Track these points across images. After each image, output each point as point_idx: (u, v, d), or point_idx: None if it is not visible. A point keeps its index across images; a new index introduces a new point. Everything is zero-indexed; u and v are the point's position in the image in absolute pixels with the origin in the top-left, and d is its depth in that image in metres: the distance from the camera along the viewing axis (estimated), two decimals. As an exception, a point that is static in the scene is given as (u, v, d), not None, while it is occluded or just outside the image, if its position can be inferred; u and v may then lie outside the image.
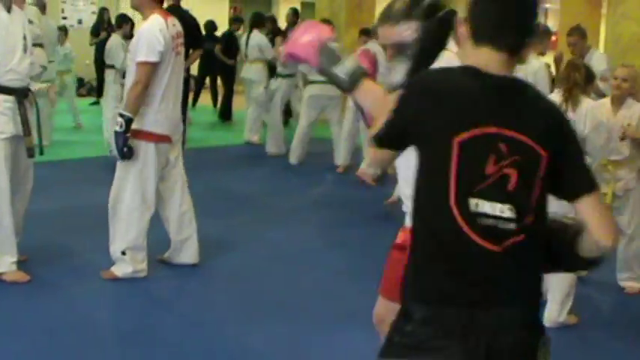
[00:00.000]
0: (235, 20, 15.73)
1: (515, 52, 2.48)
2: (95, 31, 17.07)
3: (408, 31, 3.37)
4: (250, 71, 13.29)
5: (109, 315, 5.58)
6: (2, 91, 5.83)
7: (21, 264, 6.08)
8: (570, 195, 2.48)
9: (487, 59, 2.46)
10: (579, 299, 5.92)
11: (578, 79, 5.96)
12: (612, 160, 6.31)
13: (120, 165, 6.13)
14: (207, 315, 5.63)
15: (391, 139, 2.53)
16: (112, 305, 5.78)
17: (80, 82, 19.72)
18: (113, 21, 14.15)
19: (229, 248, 7.13)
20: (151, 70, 5.95)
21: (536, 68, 7.95)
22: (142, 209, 6.16)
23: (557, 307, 5.71)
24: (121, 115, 5.91)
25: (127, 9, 18.43)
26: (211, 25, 16.05)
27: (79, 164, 10.67)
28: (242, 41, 13.90)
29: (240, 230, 7.80)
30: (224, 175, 10.15)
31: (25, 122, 5.95)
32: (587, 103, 6.00)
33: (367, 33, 10.68)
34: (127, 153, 5.91)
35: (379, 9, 14.47)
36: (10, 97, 5.87)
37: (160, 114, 6.07)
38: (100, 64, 16.62)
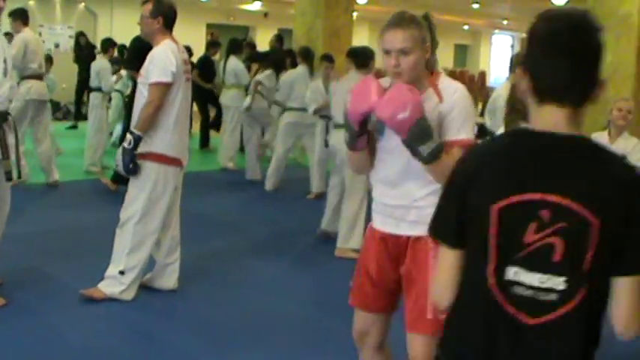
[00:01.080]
0: (212, 45, 15.71)
1: (580, 102, 2.29)
2: (78, 53, 17.10)
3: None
4: (227, 97, 13.32)
5: (86, 339, 5.54)
6: None
7: (-3, 288, 6.06)
8: (619, 270, 2.22)
9: (551, 115, 2.30)
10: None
11: (518, 105, 5.59)
12: None
13: (132, 185, 6.16)
14: (184, 340, 5.62)
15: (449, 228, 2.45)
16: (89, 329, 5.74)
17: (56, 105, 19.70)
18: (98, 45, 14.14)
19: (205, 274, 7.12)
20: (164, 90, 5.98)
21: None
22: (152, 232, 6.19)
23: None
24: (131, 133, 5.94)
25: (105, 33, 18.50)
26: (188, 51, 16.02)
27: (57, 188, 10.62)
28: (219, 67, 13.94)
29: (216, 257, 7.80)
30: (200, 201, 10.13)
31: (3, 146, 5.94)
32: None
33: (329, 59, 10.64)
34: (132, 169, 5.96)
35: (356, 37, 14.64)
36: None
37: (174, 137, 6.11)
38: (82, 88, 16.68)
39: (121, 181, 10.35)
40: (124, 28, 15.37)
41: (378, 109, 3.46)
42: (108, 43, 12.93)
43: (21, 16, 10.43)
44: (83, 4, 22.13)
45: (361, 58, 8.34)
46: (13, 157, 6.05)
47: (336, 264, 7.66)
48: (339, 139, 7.01)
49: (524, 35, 11.52)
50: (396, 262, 3.80)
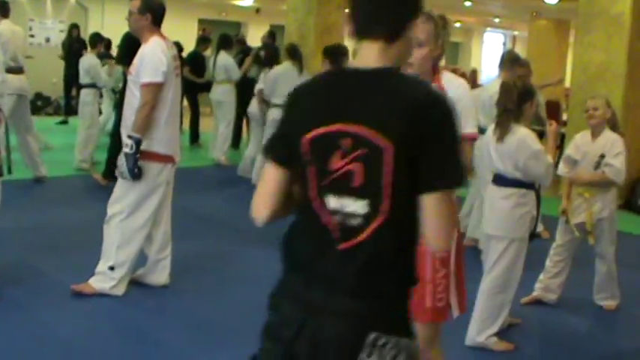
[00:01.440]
0: (203, 40, 15.67)
1: (388, 38, 2.47)
2: (68, 47, 16.97)
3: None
4: (218, 92, 13.33)
5: (76, 335, 5.52)
6: None
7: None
8: (420, 188, 2.37)
9: (364, 52, 2.51)
10: (556, 324, 5.95)
11: (508, 103, 5.60)
12: (587, 187, 6.42)
13: (121, 183, 6.12)
14: (176, 337, 5.60)
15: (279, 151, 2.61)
16: (79, 325, 5.71)
17: (47, 100, 19.62)
18: (87, 40, 14.06)
19: (198, 270, 7.10)
20: (156, 91, 5.96)
21: None
22: (140, 228, 6.17)
23: (476, 325, 5.69)
24: (130, 137, 5.91)
25: (96, 27, 18.46)
26: (177, 47, 15.95)
27: (47, 183, 10.58)
28: (210, 62, 13.94)
29: (209, 253, 7.78)
30: (192, 197, 10.09)
31: None
32: (519, 133, 5.53)
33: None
34: (137, 174, 5.93)
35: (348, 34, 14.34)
36: None
37: (165, 134, 6.10)
38: (70, 83, 16.58)
39: (111, 176, 10.33)
40: (116, 23, 15.30)
41: None
42: (96, 38, 12.86)
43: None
44: (74, -2, 22.13)
45: (334, 56, 8.38)
46: (3, 152, 6.04)
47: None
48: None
49: (516, 33, 11.56)
50: None
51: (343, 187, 2.40)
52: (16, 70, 10.07)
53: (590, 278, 6.81)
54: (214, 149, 13.52)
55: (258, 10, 26.71)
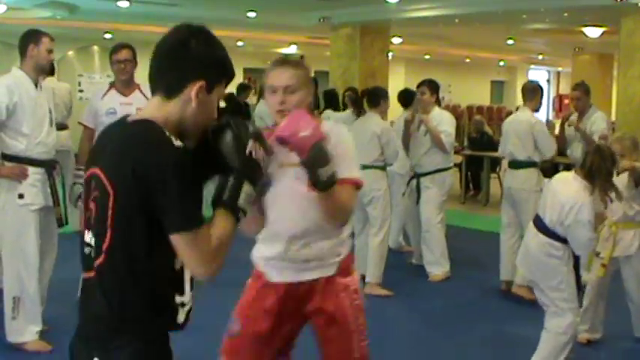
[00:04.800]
0: (242, 88, 15.45)
1: (166, 95, 2.60)
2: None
3: None
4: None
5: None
6: (32, 164, 5.99)
7: (44, 334, 6.16)
8: (166, 230, 2.49)
9: (148, 104, 2.72)
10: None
11: (602, 170, 5.54)
12: (615, 220, 6.40)
13: None
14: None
15: None
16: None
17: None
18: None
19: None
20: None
21: (532, 123, 8.12)
22: None
23: None
24: None
25: (143, 78, 18.62)
26: (229, 98, 16.07)
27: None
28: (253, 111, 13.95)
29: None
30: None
31: (54, 193, 6.13)
32: (580, 196, 5.47)
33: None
34: None
35: (392, 76, 14.68)
36: (40, 170, 6.04)
37: None
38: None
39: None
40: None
41: (279, 129, 3.37)
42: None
43: None
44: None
45: (372, 97, 8.49)
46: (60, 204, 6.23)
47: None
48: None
49: (560, 69, 11.60)
50: (294, 311, 3.82)
51: (89, 222, 2.61)
52: (59, 126, 10.25)
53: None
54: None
55: (302, 57, 26.93)
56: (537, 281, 5.65)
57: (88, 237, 2.61)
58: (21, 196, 5.95)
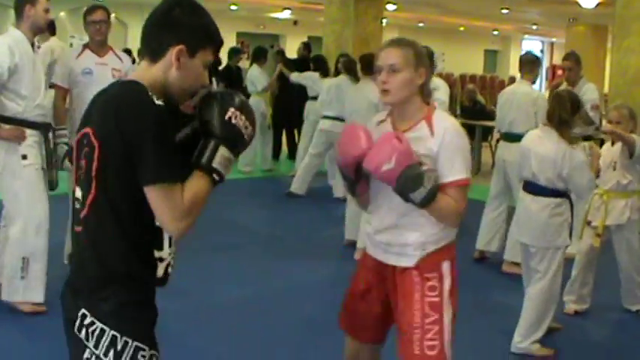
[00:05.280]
0: (234, 52, 15.16)
1: (150, 58, 2.75)
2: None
3: None
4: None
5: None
6: (30, 126, 5.97)
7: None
8: (140, 182, 2.59)
9: (137, 69, 2.89)
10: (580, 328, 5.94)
11: (564, 115, 5.66)
12: (607, 189, 6.43)
13: None
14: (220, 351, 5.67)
15: None
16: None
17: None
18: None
19: (235, 281, 7.20)
20: None
21: (534, 97, 8.01)
22: None
23: (521, 332, 5.70)
24: None
25: (135, 43, 18.48)
26: (216, 61, 15.81)
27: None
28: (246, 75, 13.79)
29: (246, 263, 7.84)
30: (226, 208, 9.86)
31: (49, 155, 6.15)
32: (566, 143, 5.62)
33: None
34: None
35: (387, 43, 14.13)
36: (36, 132, 6.03)
37: None
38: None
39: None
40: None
41: (364, 161, 3.47)
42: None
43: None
44: (114, 14, 22.23)
45: (367, 64, 8.42)
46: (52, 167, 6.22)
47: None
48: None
49: (554, 40, 11.52)
50: (383, 289, 3.82)
51: (79, 179, 2.73)
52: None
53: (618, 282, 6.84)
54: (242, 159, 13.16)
55: (295, 23, 26.88)
56: (542, 245, 5.67)
57: (79, 193, 2.72)
58: (24, 157, 5.92)
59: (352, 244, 8.17)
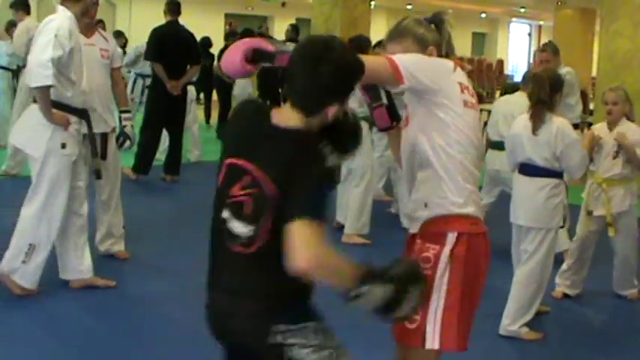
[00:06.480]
0: (231, 35, 15.59)
1: (306, 114, 2.82)
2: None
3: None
4: (236, 87, 13.50)
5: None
6: (73, 112, 5.97)
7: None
8: (286, 220, 2.65)
9: (285, 112, 2.86)
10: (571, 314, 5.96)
11: (542, 96, 5.72)
12: (606, 177, 6.45)
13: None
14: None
15: None
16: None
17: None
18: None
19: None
20: None
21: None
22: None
23: (510, 314, 5.74)
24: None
25: (124, 23, 18.45)
26: (206, 42, 16.04)
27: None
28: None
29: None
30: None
31: (92, 142, 6.21)
32: (557, 122, 5.69)
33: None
34: None
35: (374, 27, 14.56)
36: (77, 119, 6.02)
37: None
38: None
39: (142, 171, 10.45)
40: (143, 19, 15.43)
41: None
42: (114, 35, 13.00)
43: (22, 6, 10.84)
44: (102, -5, 22.13)
45: (356, 46, 8.38)
46: None
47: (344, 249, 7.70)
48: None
49: (541, 23, 11.49)
50: None
51: (236, 210, 2.81)
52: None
53: (611, 269, 6.84)
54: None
55: (284, 4, 26.79)
56: (536, 225, 5.73)
57: (238, 225, 2.80)
58: (64, 146, 5.86)
59: (341, 227, 8.20)
